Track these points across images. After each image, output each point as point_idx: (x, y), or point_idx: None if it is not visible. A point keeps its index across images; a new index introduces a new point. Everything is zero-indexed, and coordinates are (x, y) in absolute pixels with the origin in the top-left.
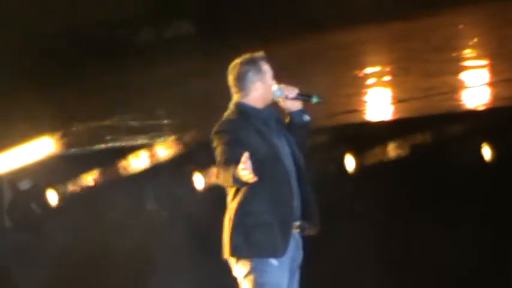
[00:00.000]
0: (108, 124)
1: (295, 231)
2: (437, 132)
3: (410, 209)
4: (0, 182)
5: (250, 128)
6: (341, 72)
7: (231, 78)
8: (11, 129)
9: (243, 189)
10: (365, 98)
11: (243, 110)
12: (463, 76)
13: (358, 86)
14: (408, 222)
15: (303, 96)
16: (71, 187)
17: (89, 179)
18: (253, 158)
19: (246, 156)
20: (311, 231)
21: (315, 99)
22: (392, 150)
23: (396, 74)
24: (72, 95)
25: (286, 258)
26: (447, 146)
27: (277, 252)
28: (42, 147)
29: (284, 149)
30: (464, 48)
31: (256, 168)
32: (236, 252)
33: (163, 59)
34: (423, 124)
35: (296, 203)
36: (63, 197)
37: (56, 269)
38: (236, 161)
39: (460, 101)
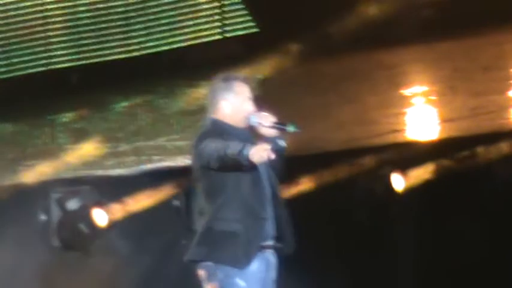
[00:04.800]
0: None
1: (267, 251)
2: (485, 152)
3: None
4: (49, 202)
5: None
6: (388, 92)
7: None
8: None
9: (216, 196)
10: (411, 117)
11: (217, 126)
12: (511, 94)
13: (404, 105)
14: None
15: (278, 125)
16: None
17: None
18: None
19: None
20: (285, 251)
21: (291, 129)
22: (437, 169)
23: (443, 93)
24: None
25: (256, 279)
26: (494, 165)
27: (238, 262)
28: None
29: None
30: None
31: (234, 176)
32: (197, 256)
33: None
34: (471, 143)
35: (269, 221)
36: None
37: None
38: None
39: (509, 119)
